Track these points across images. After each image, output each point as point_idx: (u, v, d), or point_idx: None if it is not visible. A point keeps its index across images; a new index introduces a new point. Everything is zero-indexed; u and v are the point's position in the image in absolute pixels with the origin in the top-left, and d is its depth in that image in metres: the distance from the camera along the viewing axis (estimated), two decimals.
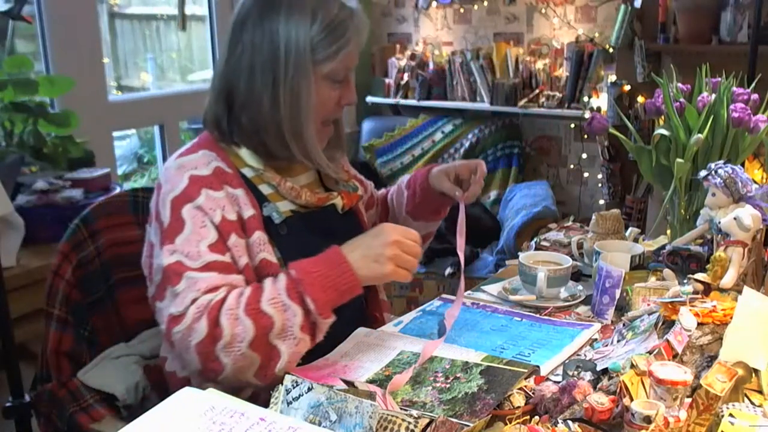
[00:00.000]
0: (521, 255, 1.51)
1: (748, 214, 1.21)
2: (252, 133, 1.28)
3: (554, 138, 4.00)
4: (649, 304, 1.25)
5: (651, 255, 1.51)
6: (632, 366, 0.99)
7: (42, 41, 2.67)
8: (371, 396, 0.95)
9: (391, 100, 4.23)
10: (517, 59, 3.88)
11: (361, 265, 1.14)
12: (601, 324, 1.33)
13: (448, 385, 1.08)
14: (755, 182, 1.33)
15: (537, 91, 3.80)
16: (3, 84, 2.19)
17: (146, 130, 4.16)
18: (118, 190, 2.18)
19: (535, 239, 1.76)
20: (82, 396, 1.32)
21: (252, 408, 0.89)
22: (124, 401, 1.35)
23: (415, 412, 0.99)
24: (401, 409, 1.03)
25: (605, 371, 1.06)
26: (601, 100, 3.60)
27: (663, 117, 1.62)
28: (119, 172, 3.36)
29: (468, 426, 0.95)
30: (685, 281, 1.24)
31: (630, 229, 1.65)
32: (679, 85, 1.64)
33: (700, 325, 1.06)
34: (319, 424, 0.91)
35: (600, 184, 3.80)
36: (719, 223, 1.25)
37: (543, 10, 3.85)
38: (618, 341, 1.19)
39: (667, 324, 1.11)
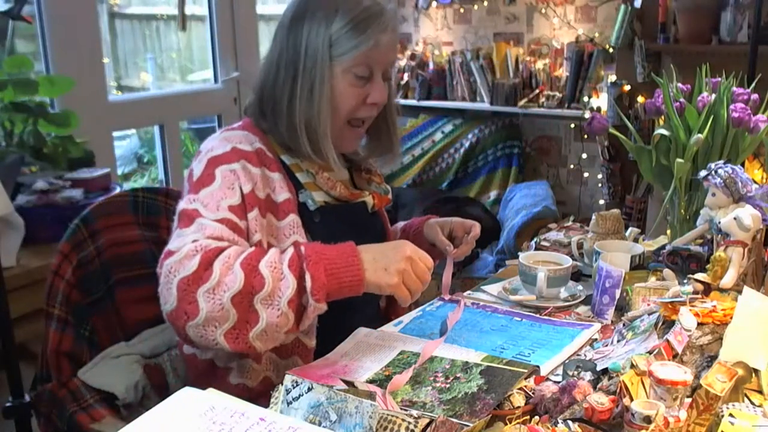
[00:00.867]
0: (521, 255, 1.51)
1: (748, 214, 1.21)
2: (273, 126, 1.33)
3: (554, 138, 4.00)
4: (649, 304, 1.25)
5: (651, 255, 1.51)
6: (632, 366, 0.99)
7: (42, 41, 2.66)
8: (371, 396, 0.95)
9: None
10: (517, 59, 3.88)
11: (370, 267, 1.13)
12: (601, 324, 1.33)
13: (448, 385, 1.08)
14: (755, 182, 1.33)
15: (537, 91, 3.80)
16: (3, 84, 2.19)
17: (146, 130, 4.16)
18: (118, 190, 2.18)
19: (535, 239, 1.76)
20: (82, 396, 1.32)
21: (252, 408, 0.89)
22: (124, 400, 1.35)
23: (415, 412, 0.99)
24: (401, 409, 1.03)
25: (605, 371, 1.06)
26: (601, 100, 3.60)
27: (663, 117, 1.62)
28: (119, 172, 3.36)
29: (468, 426, 0.95)
30: (685, 281, 1.24)
31: (630, 229, 1.65)
32: (679, 85, 1.64)
33: (700, 325, 1.06)
34: (319, 424, 0.91)
35: (600, 184, 3.80)
36: (719, 223, 1.25)
37: (543, 10, 3.85)
38: (618, 341, 1.19)
39: (667, 324, 1.11)
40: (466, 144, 3.98)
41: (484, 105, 3.94)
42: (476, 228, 1.47)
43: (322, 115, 1.29)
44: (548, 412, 0.99)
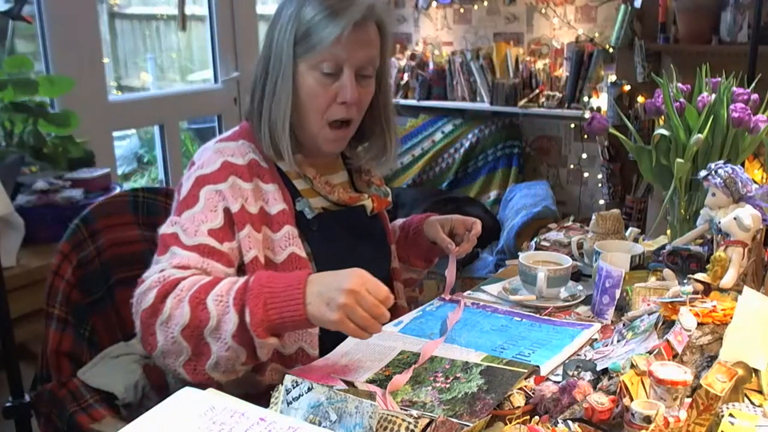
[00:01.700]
0: (521, 255, 1.51)
1: (748, 214, 1.21)
2: (258, 128, 1.32)
3: (554, 138, 4.00)
4: (649, 304, 1.25)
5: (651, 255, 1.51)
6: (632, 366, 0.99)
7: (42, 41, 2.66)
8: (371, 396, 0.95)
9: None
10: (517, 59, 3.88)
11: (314, 301, 1.05)
12: (601, 324, 1.33)
13: (448, 385, 1.08)
14: (755, 182, 1.33)
15: (537, 91, 3.80)
16: (3, 84, 2.19)
17: (146, 130, 4.16)
18: (118, 190, 2.18)
19: (535, 239, 1.76)
20: (82, 396, 1.32)
21: (252, 408, 0.89)
22: (124, 400, 1.35)
23: (415, 412, 0.99)
24: (401, 409, 1.03)
25: (605, 371, 1.06)
26: (601, 100, 3.60)
27: (663, 117, 1.62)
28: (119, 172, 3.36)
29: (468, 426, 0.95)
30: (685, 281, 1.24)
31: (630, 229, 1.65)
32: (679, 85, 1.64)
33: (700, 325, 1.06)
34: (319, 424, 0.91)
35: (600, 184, 3.80)
36: (719, 223, 1.24)
37: (543, 10, 3.85)
38: (618, 341, 1.19)
39: (667, 324, 1.11)
40: (466, 144, 3.98)
41: (484, 105, 3.94)
42: (477, 225, 1.46)
43: (281, 113, 1.26)
44: (548, 412, 0.99)
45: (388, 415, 0.93)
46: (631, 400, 0.91)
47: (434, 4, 4.12)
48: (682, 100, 1.57)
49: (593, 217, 1.62)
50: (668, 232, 1.65)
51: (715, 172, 1.32)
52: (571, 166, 3.97)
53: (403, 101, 4.17)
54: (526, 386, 1.05)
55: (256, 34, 3.55)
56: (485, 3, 3.99)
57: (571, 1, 3.77)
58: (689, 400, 0.92)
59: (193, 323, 1.07)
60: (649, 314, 1.20)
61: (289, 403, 0.94)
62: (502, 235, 3.35)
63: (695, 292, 1.16)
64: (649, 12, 3.40)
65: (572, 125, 3.88)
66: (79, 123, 2.36)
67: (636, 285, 1.33)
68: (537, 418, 0.97)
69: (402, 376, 1.11)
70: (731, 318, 1.05)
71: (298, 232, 1.29)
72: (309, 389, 0.94)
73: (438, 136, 4.09)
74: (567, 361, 1.14)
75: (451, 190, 4.01)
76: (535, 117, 3.91)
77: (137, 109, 3.14)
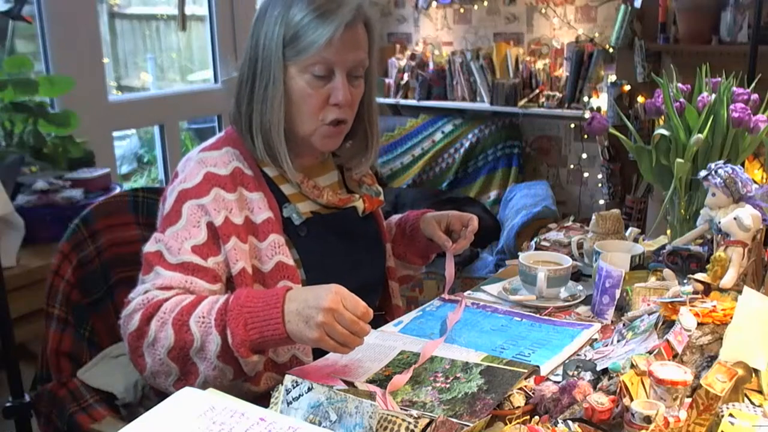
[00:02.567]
0: (521, 255, 1.51)
1: (748, 214, 1.21)
2: (245, 133, 1.30)
3: (554, 138, 4.00)
4: (649, 304, 1.25)
5: (651, 255, 1.51)
6: (632, 366, 0.99)
7: (42, 41, 2.66)
8: (371, 396, 0.95)
9: (391, 100, 4.23)
10: (517, 59, 3.88)
11: (293, 320, 1.05)
12: (601, 324, 1.33)
13: (448, 385, 1.08)
14: (755, 182, 1.33)
15: (537, 91, 3.80)
16: (3, 84, 2.19)
17: (146, 130, 4.16)
18: (118, 190, 2.18)
19: (535, 239, 1.76)
20: (82, 396, 1.32)
21: (252, 408, 0.89)
22: (124, 400, 1.35)
23: (415, 412, 0.99)
24: (401, 409, 1.03)
25: (605, 371, 1.06)
26: (601, 100, 3.60)
27: (663, 117, 1.62)
28: (119, 172, 3.36)
29: (468, 426, 0.95)
30: (685, 281, 1.24)
31: (630, 229, 1.65)
32: (679, 85, 1.64)
33: (700, 325, 1.06)
34: (319, 424, 0.91)
35: (600, 184, 3.80)
36: (719, 223, 1.24)
37: (543, 10, 3.85)
38: (618, 341, 1.19)
39: (667, 324, 1.11)
40: (466, 144, 3.98)
41: (484, 105, 3.94)
42: (474, 221, 1.45)
43: (275, 120, 1.25)
44: (548, 412, 0.99)
45: (388, 415, 0.93)
46: (631, 400, 0.91)
47: (434, 4, 4.12)
48: (682, 100, 1.57)
49: (593, 217, 1.62)
50: (668, 232, 1.65)
51: (715, 172, 1.31)
52: (571, 166, 3.97)
53: (403, 101, 4.17)
54: (526, 386, 1.05)
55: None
56: (485, 3, 3.99)
57: (571, 1, 3.77)
58: (689, 400, 0.92)
59: (178, 345, 1.09)
60: (649, 314, 1.20)
61: (289, 403, 0.94)
62: (502, 235, 3.35)
63: (695, 292, 1.16)
64: (649, 12, 3.40)
65: (572, 125, 3.88)
66: (79, 123, 2.36)
67: (636, 285, 1.33)
68: (537, 418, 0.97)
69: (402, 376, 1.11)
70: (731, 318, 1.05)
71: (287, 238, 1.27)
72: (309, 389, 0.94)
73: (438, 136, 4.09)
74: (567, 361, 1.14)
75: (451, 190, 4.01)
76: (535, 117, 3.91)
77: (137, 109, 3.14)
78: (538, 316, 1.39)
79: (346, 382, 1.09)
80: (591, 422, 0.93)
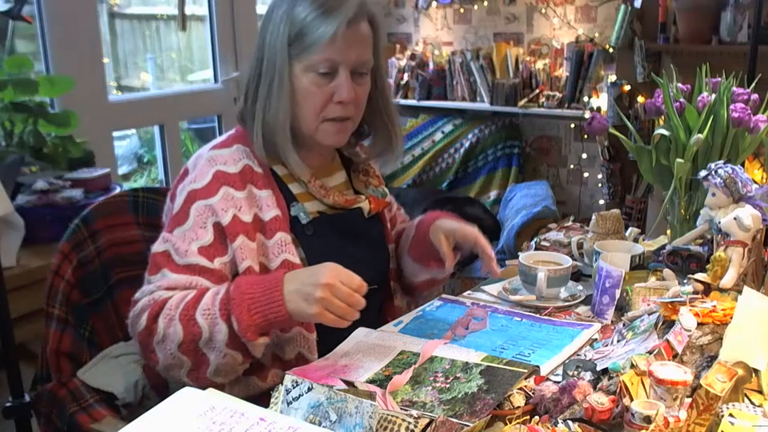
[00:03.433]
0: (521, 255, 1.51)
1: (748, 214, 1.21)
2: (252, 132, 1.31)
3: (554, 138, 4.00)
4: (649, 304, 1.25)
5: (651, 255, 1.51)
6: (632, 366, 0.99)
7: (42, 41, 2.66)
8: (371, 396, 0.95)
9: None
10: (517, 59, 3.88)
11: (292, 299, 1.11)
12: (601, 324, 1.33)
13: (448, 385, 1.08)
14: (755, 182, 1.33)
15: (537, 91, 3.80)
16: (3, 84, 2.19)
17: (146, 130, 4.16)
18: (118, 190, 2.18)
19: (535, 239, 1.76)
20: (82, 396, 1.32)
21: (252, 408, 0.89)
22: (124, 400, 1.35)
23: (415, 412, 0.99)
24: (401, 409, 1.03)
25: (605, 371, 1.06)
26: (601, 100, 3.60)
27: (663, 117, 1.62)
28: (119, 172, 3.36)
29: (468, 426, 0.95)
30: (685, 281, 1.24)
31: (630, 229, 1.65)
32: (679, 85, 1.64)
33: (700, 325, 1.06)
34: (319, 424, 0.91)
35: (600, 184, 3.80)
36: (719, 223, 1.24)
37: (543, 10, 3.85)
38: (618, 341, 1.19)
39: (667, 324, 1.11)
40: (466, 144, 3.98)
41: (484, 105, 3.94)
42: (488, 250, 1.37)
43: (280, 117, 1.26)
44: (548, 412, 0.99)
45: (388, 415, 0.93)
46: (631, 400, 0.91)
47: (434, 4, 4.12)
48: (682, 100, 1.57)
49: (593, 217, 1.62)
50: (668, 232, 1.65)
51: (715, 172, 1.31)
52: (571, 166, 3.97)
53: (403, 101, 4.17)
54: (526, 386, 1.05)
55: (256, 34, 3.55)
56: (485, 3, 3.99)
57: (571, 1, 3.77)
58: (689, 400, 0.92)
59: (187, 339, 1.14)
60: (649, 314, 1.20)
61: (289, 403, 0.94)
62: (502, 235, 3.35)
63: (695, 292, 1.16)
64: (649, 12, 3.40)
65: (572, 125, 3.88)
66: (79, 123, 2.36)
67: (636, 285, 1.33)
68: (537, 418, 0.97)
69: (402, 376, 1.11)
70: (731, 318, 1.05)
71: (293, 237, 1.28)
72: (309, 389, 0.94)
73: (438, 136, 4.09)
74: (567, 361, 1.14)
75: (451, 190, 4.01)
76: (535, 117, 3.91)
77: (137, 109, 3.14)
78: (538, 316, 1.39)
79: (346, 382, 1.09)
80: (591, 422, 0.93)
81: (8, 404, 1.49)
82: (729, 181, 1.29)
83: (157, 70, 4.17)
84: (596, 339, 1.27)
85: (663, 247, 1.51)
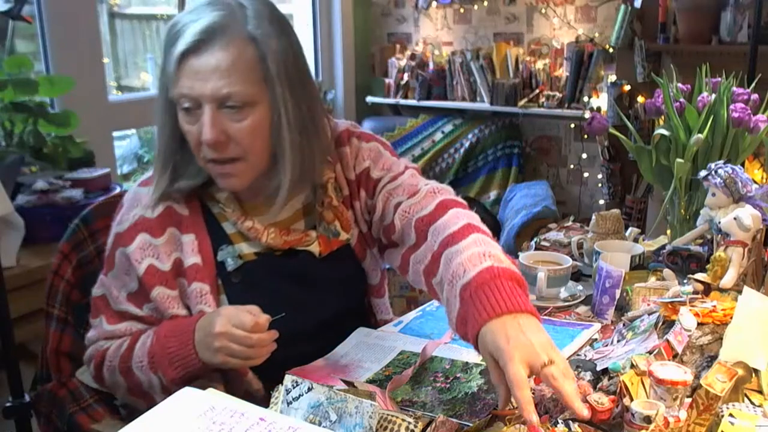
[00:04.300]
0: (521, 255, 1.51)
1: (748, 214, 1.21)
2: None
3: (554, 138, 4.00)
4: (649, 304, 1.25)
5: (651, 255, 1.51)
6: (632, 366, 0.99)
7: (42, 41, 2.66)
8: (371, 396, 0.95)
9: (391, 100, 4.23)
10: (517, 59, 3.88)
11: (201, 350, 1.10)
12: (601, 324, 1.33)
13: (448, 385, 1.08)
14: (755, 182, 1.33)
15: (537, 91, 3.80)
16: (3, 84, 2.19)
17: (146, 130, 4.16)
18: (118, 190, 2.18)
19: (535, 239, 1.76)
20: (82, 396, 1.32)
21: (252, 408, 0.89)
22: (123, 400, 1.35)
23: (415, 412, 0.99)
24: (401, 409, 1.03)
25: (605, 371, 1.06)
26: (601, 100, 3.60)
27: (663, 117, 1.62)
28: (119, 172, 3.35)
29: (468, 426, 0.95)
30: (685, 281, 1.24)
31: (630, 229, 1.65)
32: (679, 85, 1.64)
33: (700, 325, 1.06)
34: (319, 424, 0.91)
35: (600, 184, 3.80)
36: (719, 223, 1.24)
37: (543, 10, 3.85)
38: (618, 341, 1.19)
39: (667, 324, 1.11)
40: (466, 144, 3.98)
41: (484, 105, 3.94)
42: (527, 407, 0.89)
43: (163, 150, 1.17)
44: (548, 412, 0.99)
45: (388, 415, 0.93)
46: (631, 400, 0.91)
47: (434, 4, 4.12)
48: (682, 100, 1.57)
49: (593, 217, 1.62)
50: (668, 232, 1.65)
51: (715, 172, 1.31)
52: (571, 166, 3.97)
53: (403, 101, 4.17)
54: None
55: None
56: (485, 3, 3.99)
57: (571, 1, 3.77)
58: (689, 400, 0.92)
59: (131, 387, 1.20)
60: (649, 314, 1.20)
61: (289, 403, 0.94)
62: (502, 235, 3.35)
63: (695, 292, 1.16)
64: (649, 12, 3.40)
65: (572, 125, 3.88)
66: (79, 123, 2.36)
67: (636, 285, 1.33)
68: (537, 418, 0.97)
69: (402, 376, 1.11)
70: (731, 318, 1.05)
71: (220, 283, 1.20)
72: (309, 389, 0.94)
73: (438, 136, 4.10)
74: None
75: None
76: (535, 117, 3.91)
77: (137, 109, 3.14)
78: None
79: (346, 382, 1.09)
80: (591, 422, 0.93)
81: (8, 404, 1.49)
82: (729, 181, 1.29)
83: (157, 70, 4.17)
84: (596, 339, 1.27)
85: (663, 247, 1.51)
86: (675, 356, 1.01)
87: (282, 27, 1.13)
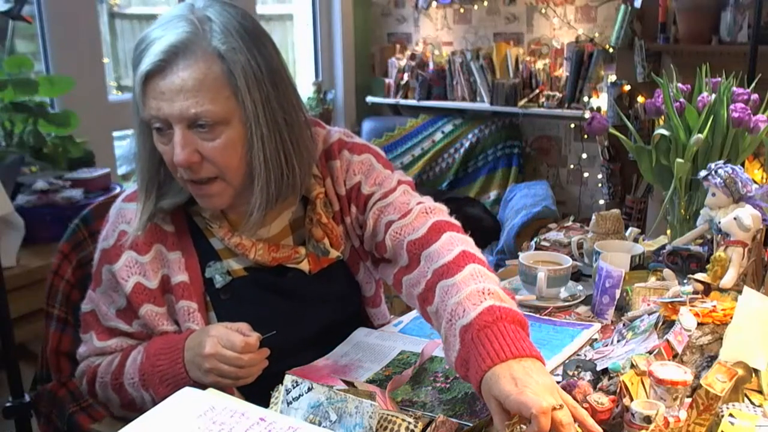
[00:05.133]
0: (521, 255, 1.51)
1: (748, 214, 1.21)
2: None
3: (554, 138, 4.00)
4: (649, 304, 1.25)
5: (651, 255, 1.51)
6: (632, 366, 0.99)
7: (42, 41, 2.66)
8: (371, 396, 0.95)
9: (391, 100, 4.23)
10: (517, 59, 3.88)
11: (191, 369, 1.10)
12: (601, 324, 1.33)
13: (448, 385, 1.08)
14: (755, 182, 1.32)
15: (537, 91, 3.80)
16: (3, 84, 2.19)
17: None
18: (118, 190, 2.18)
19: (535, 239, 1.76)
20: (81, 396, 1.32)
21: (252, 408, 0.89)
22: None
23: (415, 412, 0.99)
24: (401, 409, 1.03)
25: (605, 371, 1.06)
26: (601, 100, 3.60)
27: (663, 117, 1.62)
28: (119, 172, 3.35)
29: (468, 426, 0.95)
30: (685, 281, 1.24)
31: (630, 229, 1.65)
32: (679, 85, 1.64)
33: (700, 325, 1.06)
34: (319, 424, 0.91)
35: (600, 184, 3.80)
36: (719, 223, 1.24)
37: (543, 10, 3.85)
38: (618, 341, 1.19)
39: (667, 324, 1.11)
40: (466, 144, 3.98)
41: (484, 105, 3.94)
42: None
43: (142, 170, 1.15)
44: None
45: (388, 415, 0.93)
46: (631, 400, 0.91)
47: (434, 4, 4.12)
48: (682, 100, 1.57)
49: (593, 217, 1.62)
50: (668, 232, 1.65)
51: (715, 172, 1.31)
52: (571, 166, 3.97)
53: (403, 101, 4.18)
54: None
55: None
56: (485, 3, 3.99)
57: (571, 1, 3.77)
58: (689, 400, 0.92)
59: (124, 403, 1.20)
60: (649, 314, 1.20)
61: (289, 403, 0.94)
62: (502, 235, 3.35)
63: (695, 292, 1.16)
64: (649, 12, 3.40)
65: (572, 125, 3.88)
66: (79, 123, 2.36)
67: (636, 285, 1.33)
68: None
69: (402, 376, 1.11)
70: (731, 318, 1.05)
71: (209, 299, 1.19)
72: (309, 389, 0.94)
73: (438, 136, 4.10)
74: (567, 361, 1.14)
75: (451, 190, 4.02)
76: (535, 117, 3.91)
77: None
78: (538, 316, 1.39)
79: (346, 382, 1.09)
80: None
81: (8, 404, 1.49)
82: (729, 181, 1.29)
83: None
84: (596, 339, 1.27)
85: (663, 247, 1.51)
86: (675, 356, 1.01)
87: (253, 39, 1.07)
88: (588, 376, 1.07)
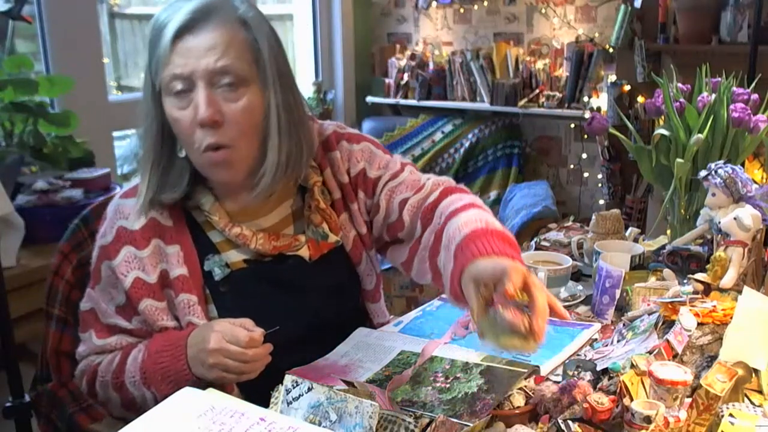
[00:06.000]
0: (521, 255, 1.51)
1: (748, 214, 1.21)
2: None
3: (554, 138, 4.00)
4: (649, 304, 1.25)
5: (651, 255, 1.51)
6: (632, 366, 0.99)
7: (42, 41, 2.66)
8: (371, 396, 0.95)
9: (391, 100, 4.23)
10: (517, 59, 3.88)
11: (194, 365, 1.10)
12: (601, 324, 1.33)
13: (448, 385, 1.08)
14: (755, 182, 1.33)
15: (537, 91, 3.80)
16: (3, 84, 2.19)
17: None
18: (118, 189, 2.18)
19: (535, 239, 1.76)
20: (82, 396, 1.32)
21: (252, 408, 0.89)
22: None
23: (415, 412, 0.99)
24: (401, 409, 1.03)
25: (605, 371, 1.06)
26: (601, 100, 3.60)
27: (663, 117, 1.62)
28: (119, 172, 3.35)
29: (468, 426, 0.95)
30: (685, 281, 1.24)
31: (630, 229, 1.65)
32: (679, 85, 1.64)
33: (700, 325, 1.06)
34: (319, 424, 0.91)
35: (600, 184, 3.80)
36: (719, 223, 1.25)
37: (543, 10, 3.85)
38: (618, 341, 1.19)
39: (667, 324, 1.11)
40: (466, 144, 3.98)
41: (484, 105, 3.94)
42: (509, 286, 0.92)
43: (152, 145, 1.14)
44: (548, 412, 0.99)
45: (388, 415, 0.93)
46: (631, 400, 0.91)
47: (434, 4, 4.12)
48: (682, 100, 1.57)
49: (593, 217, 1.62)
50: (668, 232, 1.65)
51: (715, 172, 1.32)
52: (571, 166, 3.97)
53: (403, 101, 4.17)
54: (526, 386, 1.05)
55: None
56: (485, 3, 3.99)
57: (571, 1, 3.77)
58: (689, 400, 0.92)
59: (125, 402, 1.19)
60: (649, 314, 1.20)
61: (289, 403, 0.94)
62: None
63: (695, 292, 1.16)
64: (649, 12, 3.40)
65: (572, 125, 3.88)
66: (79, 123, 2.35)
67: (636, 285, 1.33)
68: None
69: (402, 376, 1.11)
70: (731, 318, 1.05)
71: (208, 293, 1.19)
72: (309, 389, 0.94)
73: (438, 136, 4.10)
74: (567, 361, 1.14)
75: None
76: (535, 117, 3.91)
77: (137, 109, 3.13)
78: None
79: (346, 382, 1.09)
80: (591, 422, 0.93)
81: (8, 404, 1.49)
82: (729, 181, 1.29)
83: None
84: (596, 339, 1.27)
85: (663, 247, 1.51)
86: (675, 356, 1.01)
87: (267, 20, 1.16)
88: (588, 376, 1.07)
